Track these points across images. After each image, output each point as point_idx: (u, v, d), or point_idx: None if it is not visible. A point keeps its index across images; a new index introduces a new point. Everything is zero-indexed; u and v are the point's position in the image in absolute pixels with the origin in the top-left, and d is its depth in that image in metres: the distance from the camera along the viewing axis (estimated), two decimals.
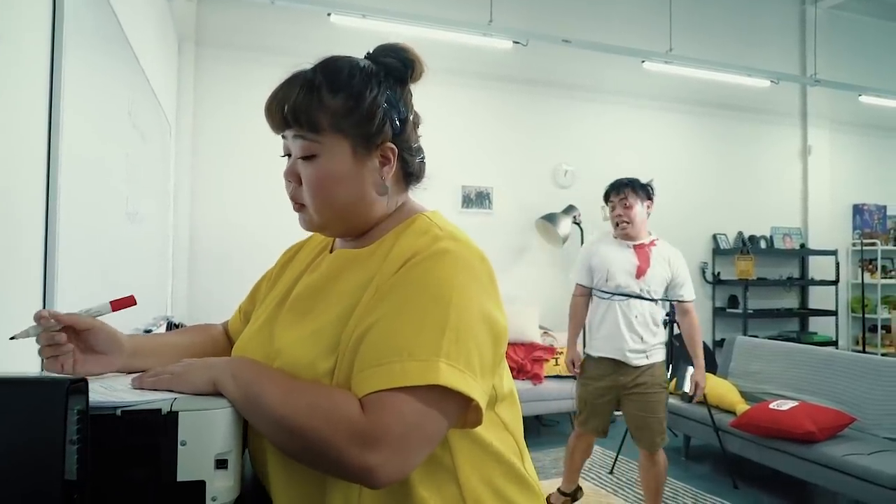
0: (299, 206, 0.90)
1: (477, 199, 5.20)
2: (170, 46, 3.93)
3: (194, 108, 4.39)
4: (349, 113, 0.85)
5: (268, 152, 4.49)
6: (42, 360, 0.88)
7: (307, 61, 0.94)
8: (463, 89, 5.10)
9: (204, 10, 4.46)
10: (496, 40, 4.57)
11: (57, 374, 0.83)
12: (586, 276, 3.02)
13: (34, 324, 0.86)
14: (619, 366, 2.85)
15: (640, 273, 2.83)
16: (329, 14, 4.13)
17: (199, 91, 4.42)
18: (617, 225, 2.90)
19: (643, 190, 2.90)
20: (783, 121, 6.41)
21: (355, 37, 4.54)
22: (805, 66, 6.36)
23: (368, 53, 0.93)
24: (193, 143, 4.38)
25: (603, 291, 2.91)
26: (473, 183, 5.18)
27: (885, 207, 6.83)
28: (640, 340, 2.82)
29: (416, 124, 0.95)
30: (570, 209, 5.18)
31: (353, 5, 4.14)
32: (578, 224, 5.20)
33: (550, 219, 5.07)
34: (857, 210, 6.73)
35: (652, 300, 2.84)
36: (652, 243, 2.91)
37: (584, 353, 3.06)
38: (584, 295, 3.05)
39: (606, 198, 2.96)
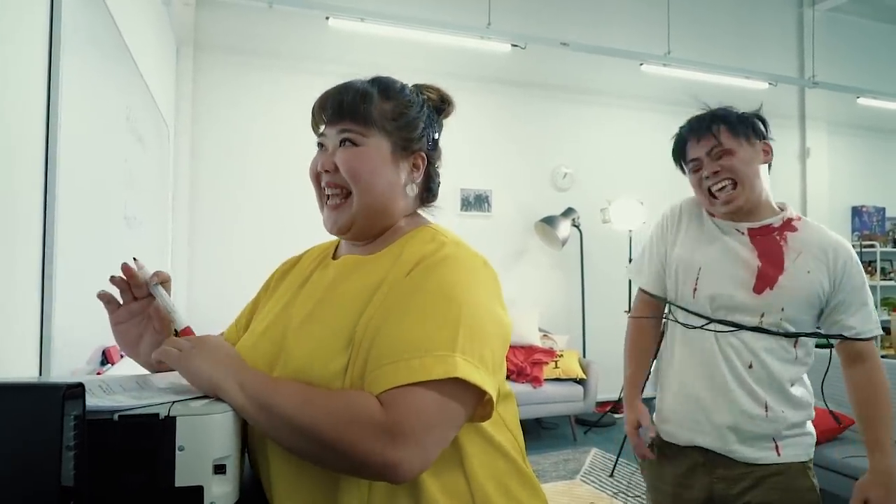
0: (340, 195, 0.93)
1: (476, 201, 5.20)
2: (168, 51, 3.93)
3: (193, 112, 4.39)
4: (396, 118, 0.94)
5: (267, 156, 4.53)
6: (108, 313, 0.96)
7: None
8: (461, 92, 5.04)
9: (202, 15, 4.46)
10: (494, 43, 4.59)
11: (54, 380, 0.82)
12: (656, 278, 1.65)
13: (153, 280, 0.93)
14: (715, 460, 1.50)
15: (762, 283, 1.47)
16: (327, 18, 4.13)
17: (198, 95, 4.42)
18: (712, 195, 1.53)
19: (747, 124, 1.52)
20: (781, 123, 6.41)
21: (353, 40, 4.58)
22: (803, 68, 6.37)
23: (410, 86, 1.02)
24: (192, 148, 4.37)
25: (688, 312, 1.56)
26: (472, 186, 5.18)
27: (883, 209, 6.84)
28: (764, 411, 1.45)
29: (440, 152, 1.04)
30: (569, 212, 5.18)
31: (351, 9, 4.14)
32: (577, 227, 5.20)
33: (549, 221, 5.07)
34: (856, 212, 6.73)
35: (788, 335, 1.48)
36: (788, 224, 1.53)
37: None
38: (653, 313, 1.68)
39: (680, 155, 1.60)
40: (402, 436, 0.72)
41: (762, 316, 1.47)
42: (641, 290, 1.71)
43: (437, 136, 1.02)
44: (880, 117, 6.63)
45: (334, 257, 1.01)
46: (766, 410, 1.46)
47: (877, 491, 1.42)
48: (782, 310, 1.46)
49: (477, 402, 0.80)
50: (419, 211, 1.03)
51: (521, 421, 0.98)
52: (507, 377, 4.35)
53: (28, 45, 1.36)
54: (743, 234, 1.53)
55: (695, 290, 1.54)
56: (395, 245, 0.93)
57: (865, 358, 1.51)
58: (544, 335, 4.88)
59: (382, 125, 0.93)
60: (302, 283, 0.98)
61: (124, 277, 0.94)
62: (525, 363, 4.50)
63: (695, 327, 1.53)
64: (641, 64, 5.12)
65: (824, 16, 6.49)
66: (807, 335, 1.50)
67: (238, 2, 4.25)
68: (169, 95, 3.96)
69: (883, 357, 5.99)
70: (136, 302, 0.96)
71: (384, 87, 0.96)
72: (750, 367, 1.47)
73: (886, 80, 6.48)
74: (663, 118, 5.83)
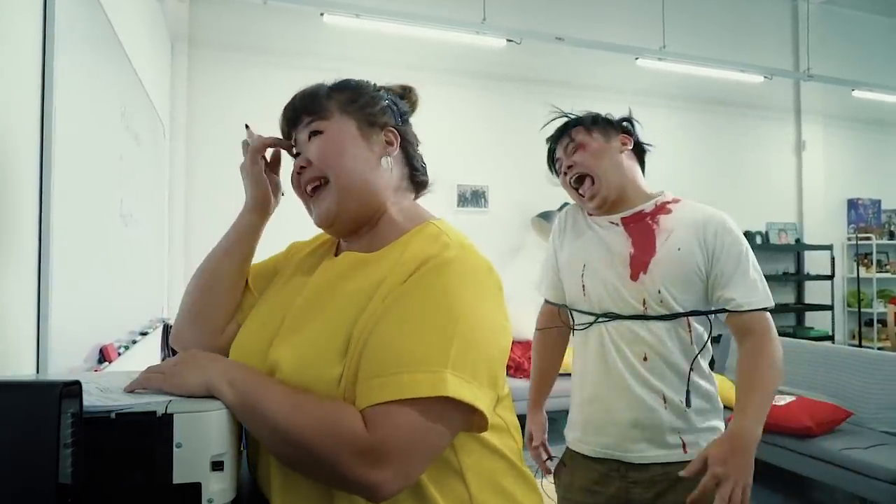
0: (320, 182, 0.93)
1: (472, 197, 5.20)
2: (162, 47, 3.91)
3: (188, 108, 4.37)
4: (354, 100, 0.96)
5: None
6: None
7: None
8: (457, 88, 5.09)
9: (196, 11, 4.45)
10: (489, 38, 4.57)
11: (51, 378, 0.82)
12: (553, 286, 1.66)
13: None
14: (623, 467, 1.46)
15: (637, 269, 1.45)
16: (322, 14, 4.12)
17: (193, 91, 4.41)
18: (577, 190, 1.58)
19: (600, 122, 1.61)
20: (777, 116, 6.42)
21: (348, 36, 4.57)
22: (798, 61, 6.38)
23: None
24: (188, 144, 4.37)
25: (582, 312, 1.55)
26: (468, 182, 5.18)
27: (879, 202, 6.86)
28: (662, 403, 1.42)
29: (416, 139, 1.03)
30: (565, 207, 5.18)
31: (346, 5, 4.13)
32: None
33: (546, 216, 5.07)
34: (852, 205, 6.75)
35: (673, 316, 1.43)
36: (661, 208, 1.53)
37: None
38: (556, 322, 1.66)
39: (552, 160, 1.66)
40: (384, 458, 0.71)
41: (644, 303, 1.45)
42: (545, 301, 1.72)
43: (405, 112, 1.02)
44: (876, 110, 6.64)
45: (338, 250, 1.00)
46: (665, 402, 1.43)
47: (719, 448, 1.30)
48: (659, 292, 1.43)
49: (467, 417, 0.78)
50: (419, 203, 1.01)
51: (519, 416, 0.97)
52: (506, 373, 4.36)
53: (22, 42, 1.35)
54: (617, 224, 1.54)
55: (583, 287, 1.54)
56: (397, 243, 0.90)
57: (753, 331, 1.44)
58: None
59: (342, 109, 0.94)
60: (301, 280, 0.96)
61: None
62: (523, 359, 4.51)
63: (586, 326, 1.52)
64: (637, 58, 5.11)
65: (819, 8, 6.49)
66: (686, 314, 1.44)
67: None
68: (164, 92, 3.95)
69: (879, 349, 5.99)
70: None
71: (338, 84, 0.98)
72: (644, 358, 1.44)
73: (881, 73, 6.48)
74: (659, 112, 5.84)
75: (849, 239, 6.62)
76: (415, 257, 0.84)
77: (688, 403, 1.44)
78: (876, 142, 6.89)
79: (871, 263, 6.52)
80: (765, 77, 5.52)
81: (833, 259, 6.15)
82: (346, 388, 0.78)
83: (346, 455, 0.71)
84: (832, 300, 6.16)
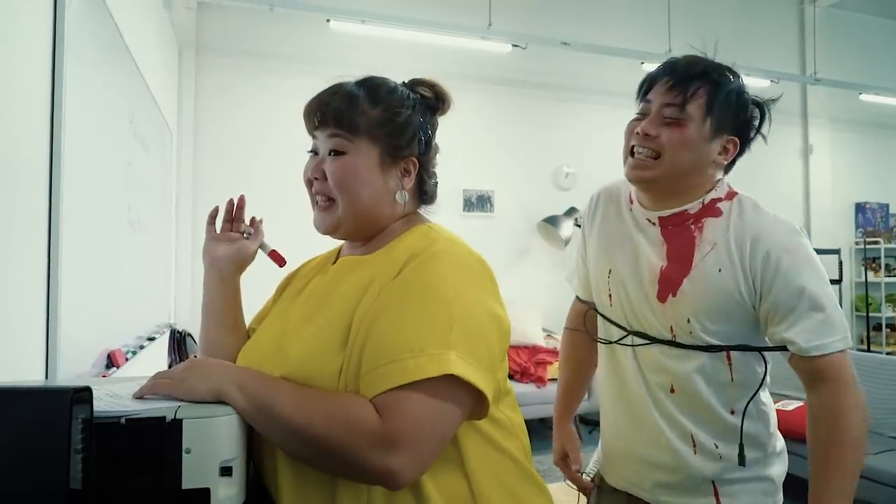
0: (327, 200, 0.94)
1: (478, 202, 5.21)
2: (170, 54, 3.94)
3: (195, 115, 4.40)
4: (384, 124, 0.92)
5: (269, 158, 4.53)
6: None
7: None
8: (463, 93, 5.05)
9: (203, 18, 4.47)
10: (495, 44, 4.59)
11: (62, 384, 0.83)
12: (584, 282, 1.43)
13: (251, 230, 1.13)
14: None
15: (665, 289, 1.18)
16: (328, 20, 4.14)
17: (200, 98, 4.43)
18: (632, 154, 1.21)
19: (735, 109, 1.26)
20: (783, 120, 6.40)
21: (354, 42, 4.59)
22: (804, 65, 6.36)
23: (404, 82, 1.01)
24: (195, 151, 4.39)
25: (609, 322, 1.30)
26: (474, 186, 5.18)
27: (887, 206, 6.82)
28: (692, 447, 1.17)
29: (435, 151, 1.02)
30: (571, 211, 5.18)
31: (352, 11, 4.15)
32: (580, 226, 5.19)
33: (552, 221, 5.07)
34: (860, 209, 6.71)
35: (708, 348, 1.15)
36: (710, 207, 1.20)
37: (591, 465, 1.47)
38: (587, 323, 1.42)
39: (647, 88, 1.29)
40: (399, 445, 0.72)
41: (671, 330, 1.17)
42: (576, 298, 1.51)
43: (430, 137, 0.99)
44: (883, 113, 6.62)
45: (335, 263, 1.02)
46: (695, 445, 1.17)
47: None
48: (688, 321, 1.14)
49: (473, 400, 0.80)
50: (419, 211, 1.02)
51: (525, 421, 0.97)
52: (511, 377, 4.35)
53: (32, 50, 1.36)
54: (654, 224, 1.22)
55: (610, 296, 1.28)
56: (389, 245, 0.93)
57: (825, 380, 1.09)
58: (548, 335, 4.88)
59: (370, 132, 0.91)
60: (300, 290, 0.99)
61: (237, 206, 1.15)
62: (529, 363, 4.50)
63: (609, 342, 1.27)
64: (643, 63, 5.11)
65: (825, 12, 6.47)
66: (726, 348, 1.15)
67: (239, 5, 4.26)
68: (171, 99, 3.97)
69: (888, 354, 5.92)
70: (231, 232, 1.12)
71: (372, 90, 0.94)
72: (672, 391, 1.17)
73: (888, 76, 6.46)
74: None
75: (857, 243, 6.59)
76: (404, 253, 0.87)
77: (741, 461, 1.16)
78: (883, 145, 6.86)
79: (880, 268, 6.48)
80: (771, 81, 5.50)
81: (841, 263, 6.11)
82: (347, 383, 0.79)
83: (360, 445, 0.72)
84: (840, 304, 6.11)
